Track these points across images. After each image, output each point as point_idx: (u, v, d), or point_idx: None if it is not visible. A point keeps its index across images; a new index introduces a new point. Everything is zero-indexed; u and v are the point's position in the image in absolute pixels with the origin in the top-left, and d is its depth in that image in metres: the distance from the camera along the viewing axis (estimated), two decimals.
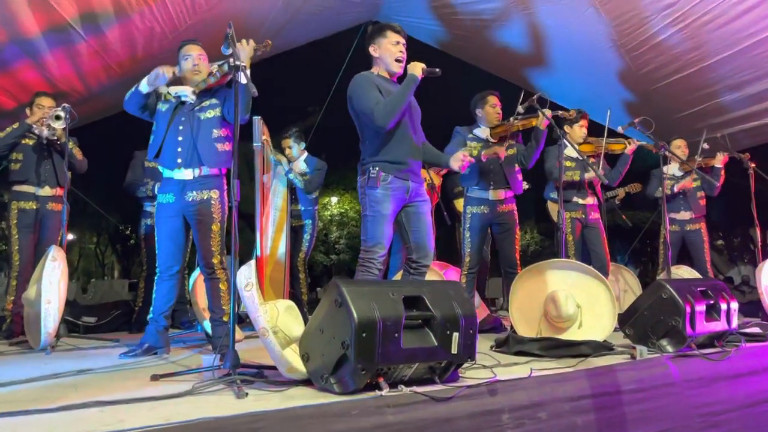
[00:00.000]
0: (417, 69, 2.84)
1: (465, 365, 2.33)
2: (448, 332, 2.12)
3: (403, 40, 2.94)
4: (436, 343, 2.10)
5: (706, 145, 4.51)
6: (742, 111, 5.93)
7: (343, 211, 17.36)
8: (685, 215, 4.82)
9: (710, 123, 6.02)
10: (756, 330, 3.63)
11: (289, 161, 4.66)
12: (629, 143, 4.23)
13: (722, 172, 4.69)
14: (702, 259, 4.72)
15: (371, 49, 2.99)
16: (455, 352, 2.13)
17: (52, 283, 3.02)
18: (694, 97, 5.98)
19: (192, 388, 2.02)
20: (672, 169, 4.90)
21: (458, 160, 2.97)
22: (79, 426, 1.61)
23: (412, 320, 2.08)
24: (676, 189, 4.76)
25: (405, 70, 2.91)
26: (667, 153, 4.06)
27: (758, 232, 4.38)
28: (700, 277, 4.34)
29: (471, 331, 2.18)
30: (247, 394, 1.95)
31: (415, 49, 7.34)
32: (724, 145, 4.76)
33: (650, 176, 4.94)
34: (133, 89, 3.04)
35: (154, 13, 4.63)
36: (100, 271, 23.83)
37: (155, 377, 2.26)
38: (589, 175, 4.28)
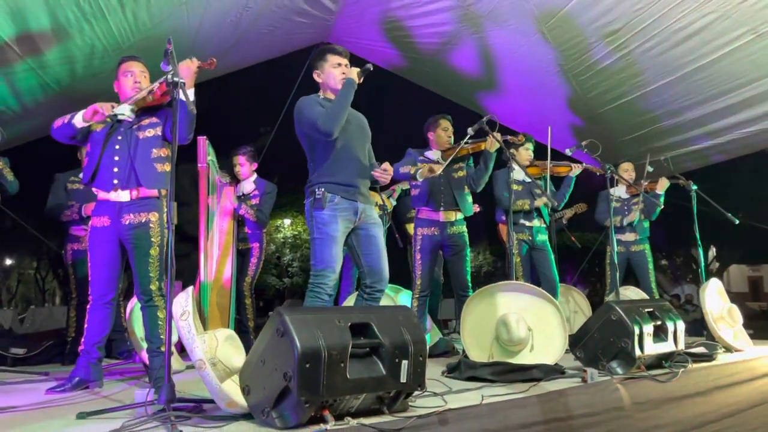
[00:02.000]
0: (353, 74, 2.85)
1: (415, 393, 2.25)
2: (396, 360, 2.04)
3: (345, 61, 2.93)
4: (384, 372, 2.01)
5: (650, 168, 4.62)
6: (683, 135, 6.15)
7: (296, 233, 17.13)
8: (629, 237, 4.92)
9: (654, 146, 6.21)
10: (702, 350, 3.69)
11: (237, 180, 4.53)
12: (574, 167, 4.31)
13: (662, 197, 4.83)
14: (647, 279, 4.81)
15: (315, 75, 3.00)
16: (404, 381, 2.05)
17: None
18: (639, 121, 6.17)
19: (121, 427, 1.87)
20: (619, 191, 5.01)
21: (379, 170, 2.92)
22: None
23: (359, 348, 1.99)
24: (625, 223, 4.88)
25: None
26: (614, 175, 4.15)
27: (701, 252, 4.48)
28: (647, 297, 4.40)
29: (420, 358, 2.11)
30: (181, 431, 1.81)
31: (374, 72, 7.36)
32: (668, 168, 4.89)
33: (597, 198, 5.03)
34: (66, 120, 2.87)
35: (95, 30, 4.46)
36: (40, 297, 22.80)
37: (82, 415, 2.09)
38: (538, 202, 4.35)
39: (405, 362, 2.05)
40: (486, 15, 5.23)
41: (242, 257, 4.57)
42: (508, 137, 3.90)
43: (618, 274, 4.65)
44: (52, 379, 3.18)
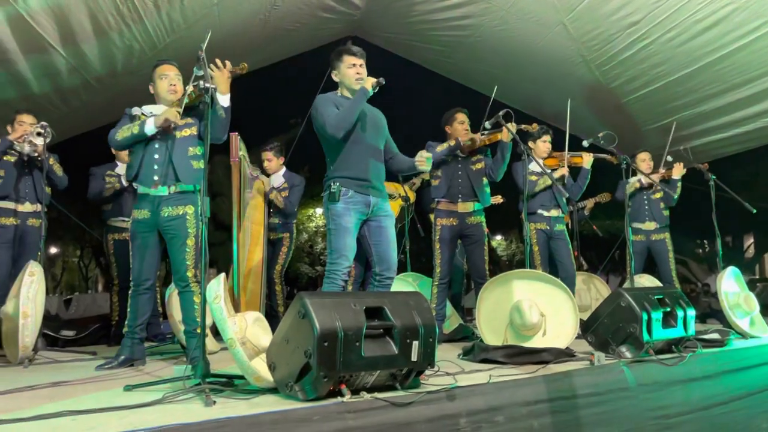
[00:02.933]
0: (368, 83, 2.99)
1: (429, 372, 2.44)
2: (408, 341, 2.23)
3: (360, 61, 3.07)
4: (396, 352, 2.20)
5: (669, 158, 4.68)
6: (709, 123, 6.14)
7: None
8: (650, 225, 4.99)
9: (679, 135, 6.22)
10: (715, 336, 3.78)
11: (267, 174, 4.77)
12: (585, 157, 4.41)
13: (679, 184, 4.89)
14: (667, 267, 4.88)
15: (333, 75, 3.17)
16: (415, 360, 2.23)
17: (29, 298, 3.10)
18: (663, 110, 6.19)
19: (162, 397, 2.11)
20: (636, 180, 5.07)
21: (418, 158, 3.07)
22: None
23: (373, 330, 2.19)
24: (644, 181, 4.91)
25: None
26: (633, 165, 4.23)
27: (719, 241, 4.54)
28: (660, 285, 4.49)
29: (430, 339, 2.29)
30: (215, 402, 2.04)
31: (393, 62, 7.47)
32: (686, 158, 4.94)
33: (618, 185, 5.12)
34: (134, 131, 3.07)
35: (133, 32, 4.74)
36: (83, 284, 23.69)
37: (128, 387, 2.35)
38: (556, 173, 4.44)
39: (416, 343, 2.24)
40: (508, 9, 5.33)
41: (273, 246, 4.82)
42: (523, 126, 4.02)
43: (636, 262, 4.75)
44: (99, 358, 3.48)
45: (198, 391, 2.17)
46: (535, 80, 6.48)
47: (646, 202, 5.00)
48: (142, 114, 3.19)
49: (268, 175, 4.78)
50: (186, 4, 4.68)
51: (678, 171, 4.87)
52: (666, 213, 4.99)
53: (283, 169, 4.90)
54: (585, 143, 4.18)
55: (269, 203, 4.66)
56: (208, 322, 2.91)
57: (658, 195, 4.94)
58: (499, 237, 19.38)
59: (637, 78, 5.76)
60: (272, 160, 4.81)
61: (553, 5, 5.05)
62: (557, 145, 4.66)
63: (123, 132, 3.11)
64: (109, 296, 4.61)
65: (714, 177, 4.54)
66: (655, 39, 5.05)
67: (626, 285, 4.24)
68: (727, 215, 4.87)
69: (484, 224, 4.18)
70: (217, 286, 2.24)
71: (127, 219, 4.44)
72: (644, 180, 4.85)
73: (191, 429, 1.75)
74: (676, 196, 4.86)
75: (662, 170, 4.83)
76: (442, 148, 4.14)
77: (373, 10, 6.36)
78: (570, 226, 5.18)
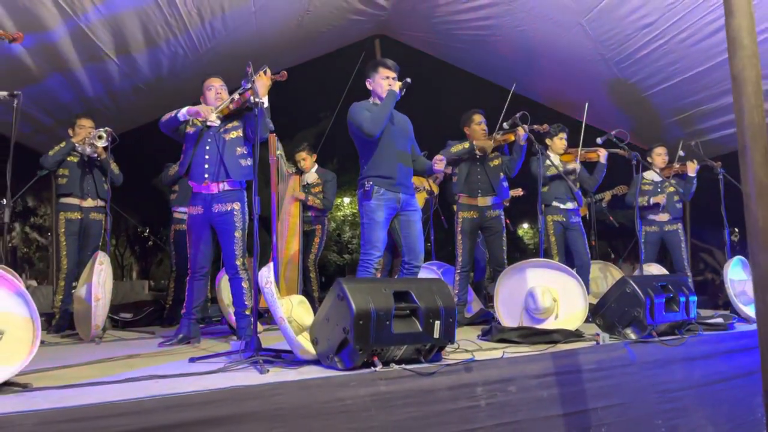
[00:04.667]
0: (396, 86, 3.38)
1: (449, 349, 2.80)
2: (431, 320, 2.58)
3: (393, 74, 3.43)
4: (420, 329, 2.56)
5: (682, 153, 4.93)
6: (728, 116, 6.31)
7: (355, 211, 17.77)
8: (663, 217, 5.24)
9: (698, 128, 6.43)
10: (718, 320, 4.06)
11: (302, 172, 5.17)
12: (600, 153, 4.70)
13: (694, 181, 5.14)
14: (680, 257, 5.14)
15: (367, 83, 3.50)
16: (437, 337, 2.59)
17: (100, 284, 3.53)
18: (681, 104, 6.37)
19: (224, 367, 2.51)
20: (651, 174, 5.32)
21: (435, 161, 3.47)
22: (142, 392, 2.09)
23: (401, 311, 2.55)
24: (651, 201, 5.21)
25: None
26: (648, 160, 4.51)
27: (726, 232, 4.78)
28: (667, 273, 4.76)
29: (450, 320, 2.65)
30: (268, 370, 2.43)
31: (421, 59, 7.75)
32: (698, 153, 5.17)
33: (631, 182, 5.38)
34: (172, 114, 3.53)
35: (179, 40, 5.15)
36: (119, 272, 24.52)
37: (193, 359, 2.76)
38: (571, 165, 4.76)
39: (437, 322, 2.59)
40: (528, 11, 5.59)
41: (307, 237, 5.23)
42: (534, 126, 4.32)
43: (649, 252, 5.03)
44: (158, 337, 3.92)
45: (252, 362, 2.56)
46: (554, 76, 6.71)
47: (658, 193, 5.25)
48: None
49: (302, 173, 5.18)
50: (227, 14, 5.07)
51: (692, 168, 5.12)
52: (679, 206, 5.24)
53: (316, 165, 5.30)
54: (599, 140, 4.46)
55: (305, 204, 5.05)
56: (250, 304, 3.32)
57: (671, 188, 5.19)
58: (525, 225, 19.61)
59: (655, 75, 5.96)
60: (306, 159, 5.22)
61: (571, 8, 5.29)
62: (575, 140, 4.95)
63: (166, 116, 3.56)
64: (168, 281, 5.07)
65: (723, 170, 4.78)
66: (670, 38, 5.26)
67: (635, 273, 4.53)
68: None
69: (503, 217, 4.51)
70: (267, 273, 2.62)
71: (185, 210, 4.90)
72: (659, 174, 5.10)
73: (254, 390, 2.14)
74: (693, 189, 5.11)
75: (676, 165, 5.08)
76: (457, 149, 4.47)
77: (399, 11, 6.67)
78: (588, 218, 5.45)
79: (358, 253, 17.95)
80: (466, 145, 4.46)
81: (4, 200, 3.53)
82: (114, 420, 1.85)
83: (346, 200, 18.07)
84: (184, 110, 3.50)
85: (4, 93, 3.29)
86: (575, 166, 4.69)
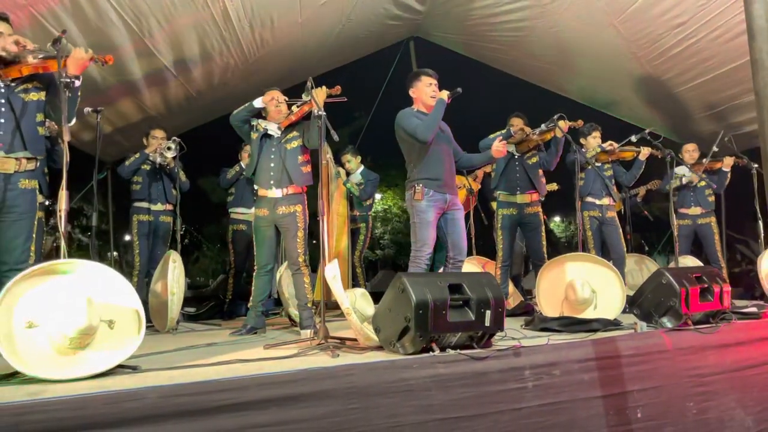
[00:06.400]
0: (444, 95, 3.64)
1: (497, 336, 3.07)
2: (482, 310, 2.85)
3: (434, 81, 3.70)
4: (473, 318, 2.83)
5: (716, 148, 5.09)
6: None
7: (386, 207, 18.07)
8: (695, 210, 5.41)
9: (732, 122, 6.54)
10: (752, 309, 4.23)
11: (348, 173, 5.48)
12: (641, 150, 4.89)
13: (728, 175, 5.30)
14: (713, 249, 5.30)
15: (410, 91, 3.77)
16: (488, 325, 2.86)
17: (174, 280, 3.89)
18: (715, 99, 6.49)
19: (298, 352, 2.82)
20: (683, 169, 5.49)
21: (496, 150, 3.72)
22: (233, 373, 2.40)
23: (455, 302, 2.82)
24: (684, 181, 5.36)
25: None
26: (679, 156, 4.70)
27: (760, 224, 4.93)
28: (701, 265, 4.93)
29: (500, 309, 2.91)
30: (338, 355, 2.74)
31: (455, 59, 7.98)
32: (731, 147, 5.32)
33: (664, 177, 5.56)
34: (247, 105, 3.86)
35: (231, 51, 5.49)
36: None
37: (268, 346, 3.08)
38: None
39: (488, 312, 2.86)
40: (561, 12, 5.79)
41: (353, 235, 5.54)
42: (570, 123, 4.52)
43: (683, 245, 5.21)
44: (224, 328, 4.28)
45: (323, 348, 2.87)
46: (588, 74, 6.89)
47: (691, 189, 5.42)
48: (258, 124, 3.91)
49: (348, 174, 5.49)
50: (276, 25, 5.39)
51: (728, 163, 5.28)
52: (711, 199, 5.40)
53: (362, 167, 5.60)
54: (633, 138, 4.66)
55: (349, 198, 5.37)
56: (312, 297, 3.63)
57: (702, 183, 5.36)
58: (557, 219, 19.68)
59: (687, 71, 6.10)
60: (351, 161, 5.54)
61: (603, 10, 5.48)
62: (610, 135, 5.15)
63: (238, 109, 3.90)
64: (226, 278, 5.45)
65: (756, 165, 4.94)
66: (702, 37, 5.41)
67: (671, 265, 4.72)
68: None
69: (541, 213, 4.75)
70: (334, 268, 2.92)
71: (243, 210, 5.27)
72: (688, 174, 5.27)
73: (329, 371, 2.44)
74: (726, 182, 5.26)
75: (705, 161, 5.24)
76: (494, 135, 4.65)
77: (434, 14, 6.92)
78: (624, 212, 5.64)
79: (389, 248, 18.20)
80: (504, 131, 4.66)
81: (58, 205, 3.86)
82: (218, 395, 2.17)
83: (378, 196, 18.29)
84: (258, 101, 3.84)
85: (89, 109, 3.65)
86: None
